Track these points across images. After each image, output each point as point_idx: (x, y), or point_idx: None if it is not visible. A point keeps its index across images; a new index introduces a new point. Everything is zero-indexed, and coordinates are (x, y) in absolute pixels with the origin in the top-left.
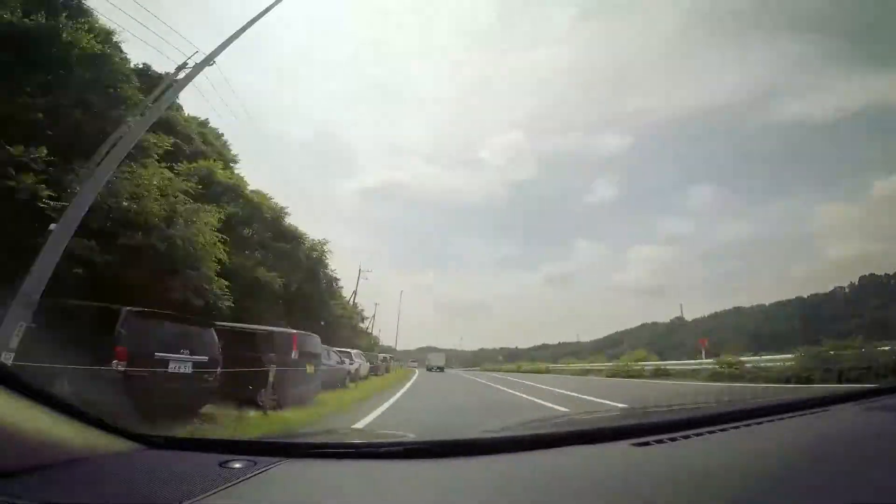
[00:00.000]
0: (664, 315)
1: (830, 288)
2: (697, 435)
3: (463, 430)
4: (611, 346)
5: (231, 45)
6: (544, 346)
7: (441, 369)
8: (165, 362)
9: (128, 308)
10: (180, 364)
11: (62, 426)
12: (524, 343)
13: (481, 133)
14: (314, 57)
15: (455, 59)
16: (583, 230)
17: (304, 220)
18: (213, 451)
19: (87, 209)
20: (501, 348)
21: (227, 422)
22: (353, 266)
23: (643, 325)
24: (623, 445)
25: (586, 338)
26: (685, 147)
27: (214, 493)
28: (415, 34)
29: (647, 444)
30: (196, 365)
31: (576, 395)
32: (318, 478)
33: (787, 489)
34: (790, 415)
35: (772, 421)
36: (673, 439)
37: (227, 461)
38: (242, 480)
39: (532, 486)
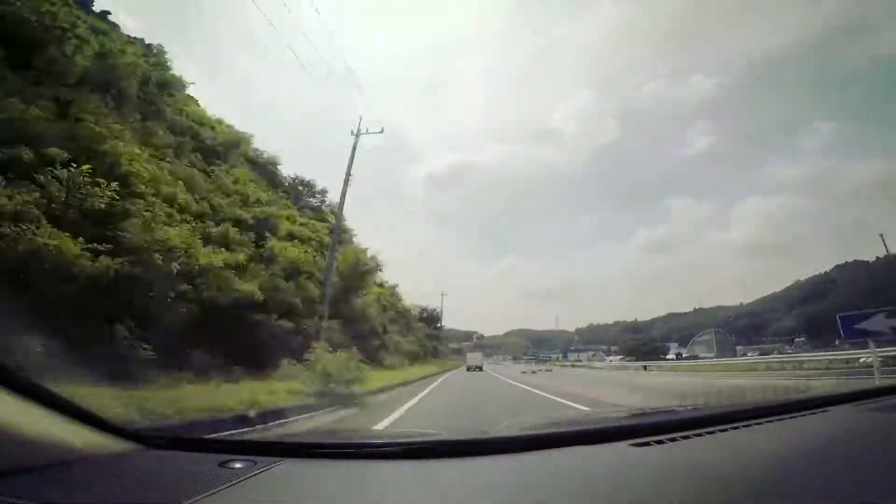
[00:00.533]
0: (794, 273)
1: None
2: (697, 435)
3: (463, 430)
4: (796, 305)
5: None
6: (673, 316)
7: (480, 368)
8: None
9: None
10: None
11: (62, 426)
12: (644, 315)
13: (548, 102)
14: (368, 65)
15: (501, 39)
16: (683, 187)
17: (376, 216)
18: (213, 452)
19: None
20: (616, 322)
21: None
22: (429, 264)
23: (847, 265)
24: (623, 445)
25: (724, 301)
26: (787, 85)
27: (214, 493)
28: (457, 25)
29: (647, 444)
30: None
31: None
32: (318, 478)
33: (787, 489)
34: (790, 415)
35: (771, 421)
36: (673, 439)
37: (227, 461)
38: (242, 480)
39: (532, 486)
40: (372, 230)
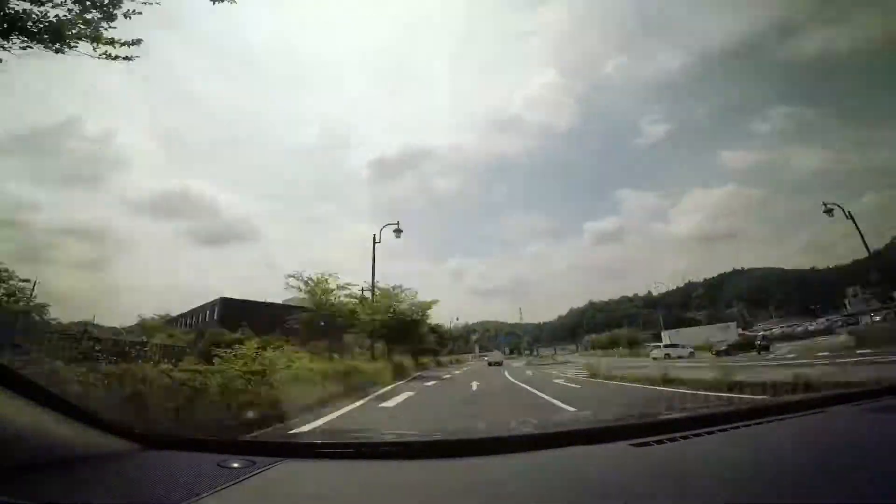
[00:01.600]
0: (729, 263)
1: None
2: (697, 435)
3: (464, 430)
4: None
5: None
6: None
7: (500, 364)
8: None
9: None
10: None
11: (62, 426)
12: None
13: (506, 93)
14: (319, 58)
15: (462, 28)
16: (634, 178)
17: (320, 215)
18: (212, 452)
19: None
20: (622, 298)
21: None
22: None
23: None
24: (623, 445)
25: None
26: (739, 75)
27: (214, 493)
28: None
29: (646, 444)
30: None
31: None
32: (318, 478)
33: (787, 489)
34: (790, 415)
35: (771, 421)
36: (673, 439)
37: (227, 461)
38: (241, 480)
39: (532, 486)
40: (314, 231)
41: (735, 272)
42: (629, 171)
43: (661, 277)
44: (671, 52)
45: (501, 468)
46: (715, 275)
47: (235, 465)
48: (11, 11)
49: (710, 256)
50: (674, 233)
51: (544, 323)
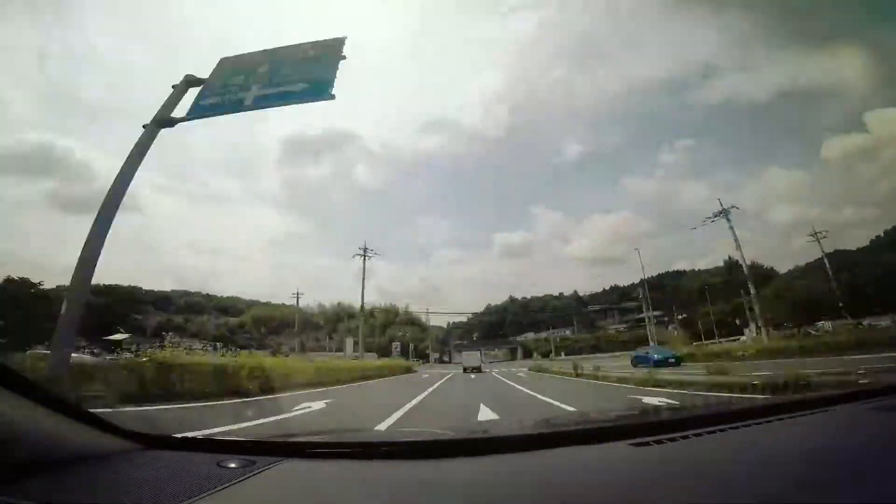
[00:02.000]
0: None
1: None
2: (697, 435)
3: (463, 430)
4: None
5: None
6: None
7: (478, 369)
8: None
9: None
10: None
11: (62, 426)
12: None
13: (444, 94)
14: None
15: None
16: (547, 196)
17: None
18: (211, 452)
19: None
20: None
21: None
22: (281, 255)
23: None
24: (623, 445)
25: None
26: (657, 107)
27: (213, 493)
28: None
29: (646, 444)
30: None
31: None
32: (317, 478)
33: (787, 489)
34: (790, 415)
35: (771, 421)
36: (673, 439)
37: (226, 461)
38: (241, 480)
39: (532, 486)
40: (209, 210)
41: (676, 273)
42: (544, 187)
43: (567, 290)
44: (606, 75)
45: (501, 468)
46: (655, 274)
47: (235, 465)
48: None
49: (605, 278)
50: (575, 252)
51: (453, 323)
